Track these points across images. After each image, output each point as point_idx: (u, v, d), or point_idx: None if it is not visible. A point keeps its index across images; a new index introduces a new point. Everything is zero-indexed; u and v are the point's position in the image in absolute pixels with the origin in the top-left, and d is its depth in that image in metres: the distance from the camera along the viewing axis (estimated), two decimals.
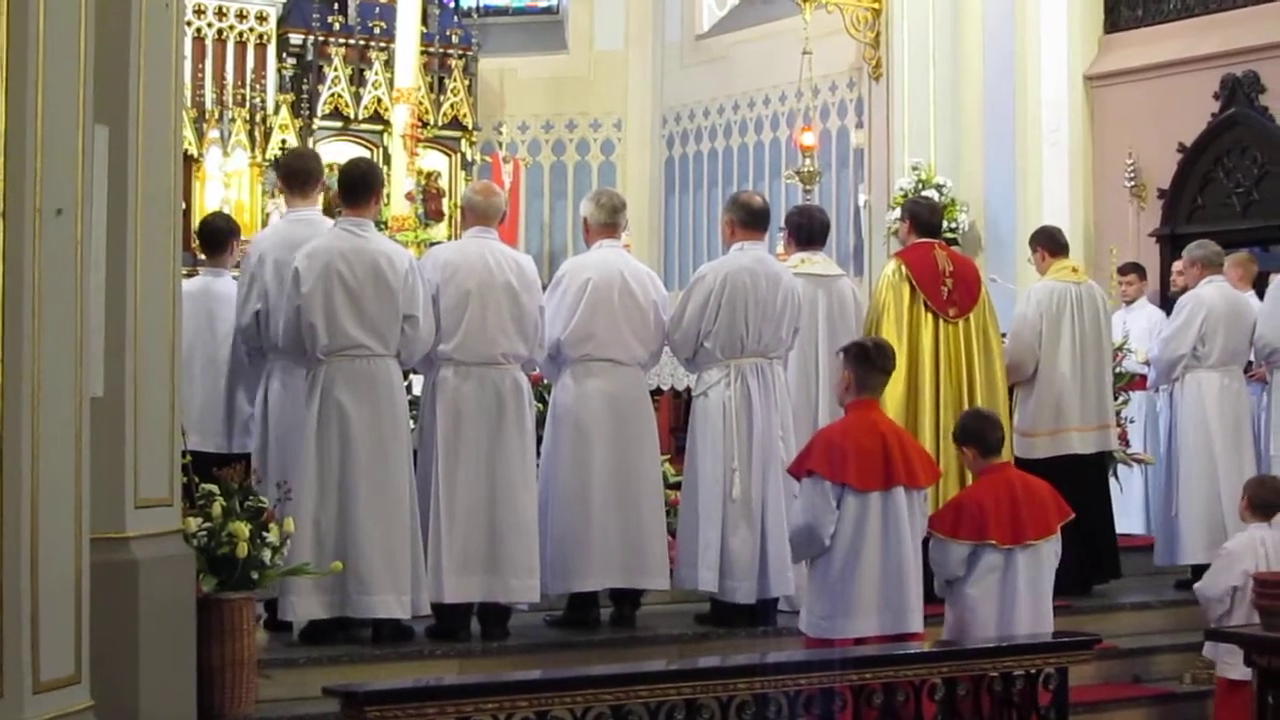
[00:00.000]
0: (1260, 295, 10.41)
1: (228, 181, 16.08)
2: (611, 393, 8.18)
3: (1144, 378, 11.05)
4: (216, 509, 6.55)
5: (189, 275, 8.29)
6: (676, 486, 8.77)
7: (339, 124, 16.86)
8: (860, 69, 16.75)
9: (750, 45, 18.17)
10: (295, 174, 8.20)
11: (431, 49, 17.30)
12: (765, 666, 6.38)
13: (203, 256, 8.88)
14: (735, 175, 18.26)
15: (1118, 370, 10.71)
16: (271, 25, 16.69)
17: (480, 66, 17.99)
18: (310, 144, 16.10)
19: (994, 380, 9.10)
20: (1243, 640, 7.06)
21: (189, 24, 15.46)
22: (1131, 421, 11.33)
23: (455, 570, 7.65)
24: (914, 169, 15.67)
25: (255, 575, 6.61)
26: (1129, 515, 11.56)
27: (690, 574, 8.24)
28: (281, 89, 16.68)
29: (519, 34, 19.65)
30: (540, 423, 8.32)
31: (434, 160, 17.32)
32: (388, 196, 15.07)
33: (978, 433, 7.31)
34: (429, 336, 7.70)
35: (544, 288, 8.24)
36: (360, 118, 16.91)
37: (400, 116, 16.32)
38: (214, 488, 6.64)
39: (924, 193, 14.74)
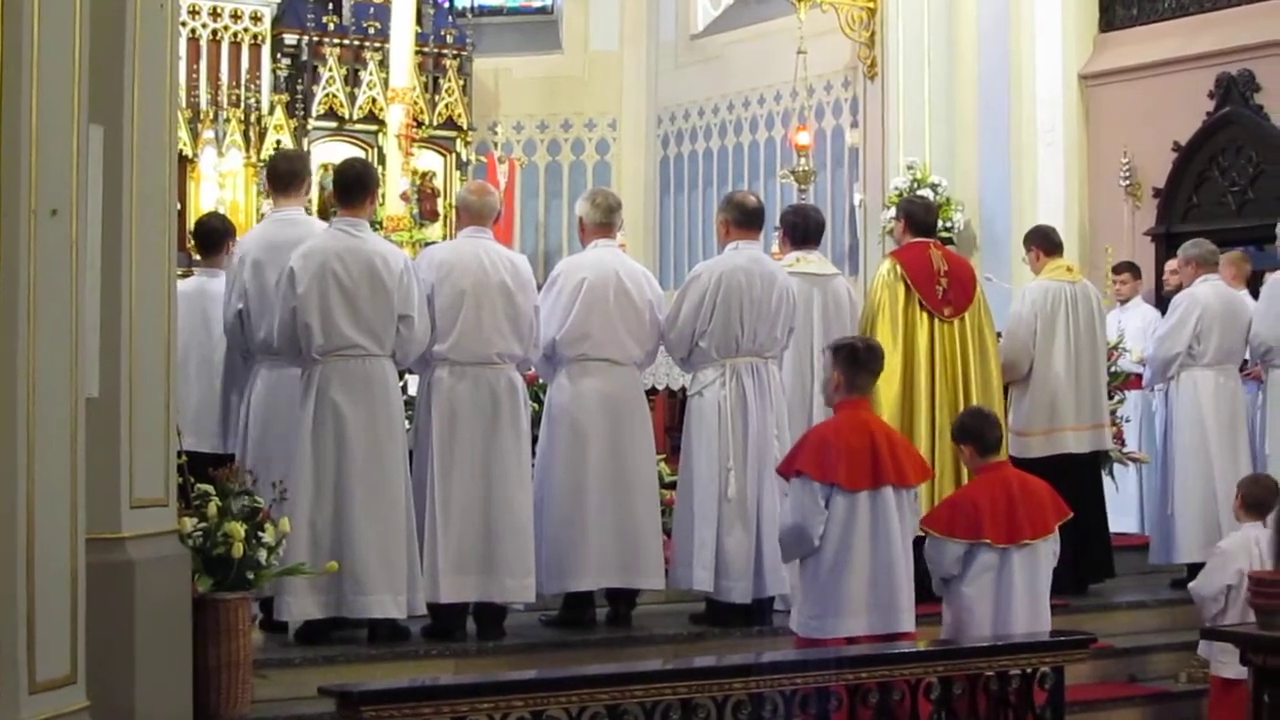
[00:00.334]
0: (1254, 294, 10.41)
1: (223, 182, 16.07)
2: (607, 392, 8.18)
3: (1139, 377, 11.05)
4: (212, 509, 6.54)
5: (184, 276, 8.29)
6: (672, 486, 8.78)
7: (334, 124, 16.85)
8: (855, 68, 16.75)
9: (745, 45, 18.18)
10: (280, 175, 8.23)
11: (426, 49, 17.30)
12: (761, 666, 6.38)
13: (198, 257, 8.86)
14: (730, 175, 18.26)
15: (1112, 369, 10.72)
16: (266, 25, 16.66)
17: (475, 66, 17.99)
18: (305, 144, 16.13)
19: (989, 380, 9.10)
20: (1238, 639, 7.06)
21: (184, 24, 15.46)
22: (1127, 420, 11.33)
23: (451, 570, 7.65)
24: (909, 168, 15.68)
25: (251, 575, 6.60)
26: (1125, 514, 11.55)
27: (686, 573, 8.24)
28: (276, 89, 16.67)
29: (514, 34, 19.66)
30: (535, 422, 8.32)
31: (429, 160, 17.31)
32: (383, 197, 15.07)
33: (976, 431, 7.31)
34: (424, 336, 7.69)
35: (539, 288, 8.24)
36: (355, 118, 16.90)
37: (395, 116, 16.34)
38: (209, 488, 6.64)
39: (919, 192, 14.76)
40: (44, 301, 5.22)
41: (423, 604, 7.58)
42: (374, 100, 16.87)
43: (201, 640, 6.38)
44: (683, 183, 18.90)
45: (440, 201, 17.20)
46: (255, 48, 16.65)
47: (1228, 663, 7.67)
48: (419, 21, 17.04)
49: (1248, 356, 10.24)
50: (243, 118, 16.27)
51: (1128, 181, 14.65)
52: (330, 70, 16.82)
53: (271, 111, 16.48)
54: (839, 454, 6.81)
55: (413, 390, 8.41)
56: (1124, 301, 12.81)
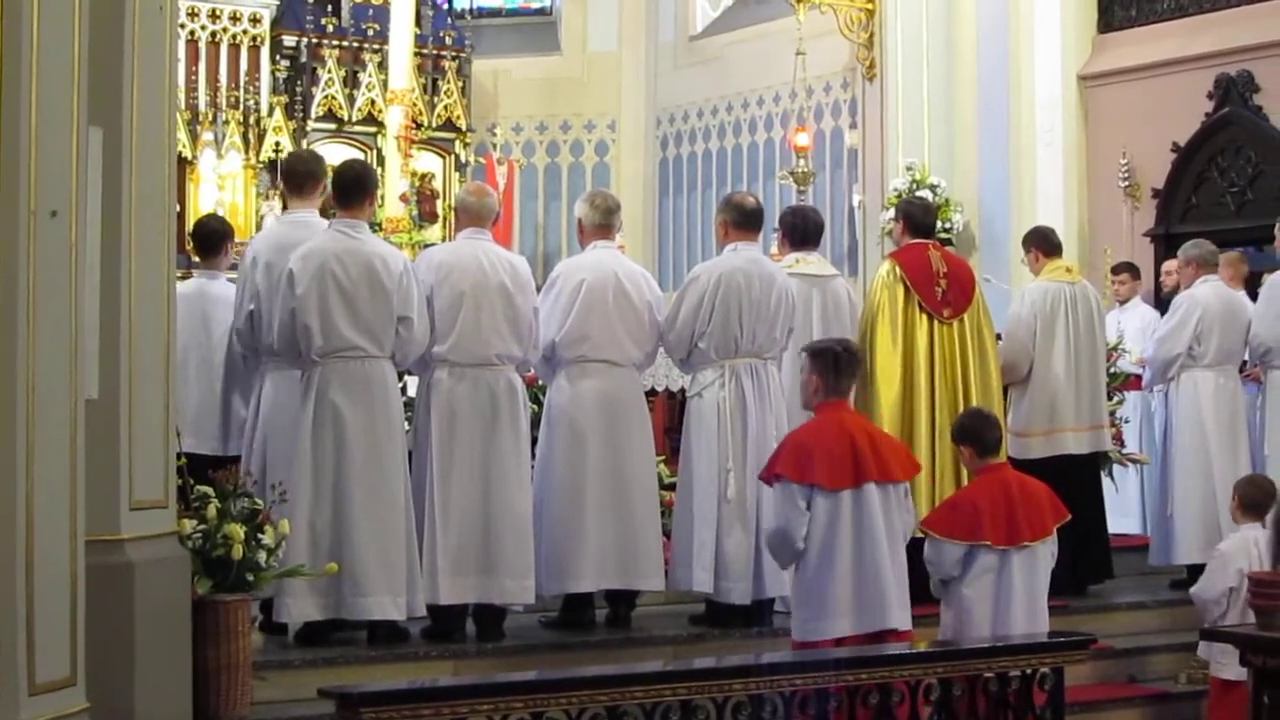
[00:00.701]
0: (1252, 295, 10.41)
1: (222, 184, 16.08)
2: (606, 394, 8.18)
3: (1138, 377, 11.05)
4: (211, 511, 6.54)
5: (183, 277, 8.31)
6: (671, 487, 8.78)
7: (333, 126, 16.85)
8: (854, 69, 16.75)
9: (744, 46, 18.18)
10: (294, 175, 8.19)
11: (425, 50, 17.30)
12: (760, 667, 6.38)
13: (197, 259, 8.86)
14: (729, 176, 18.26)
15: (1112, 370, 10.72)
16: (265, 27, 16.66)
17: (474, 68, 17.99)
18: (304, 146, 16.10)
19: (989, 381, 9.10)
20: (1238, 640, 7.06)
21: (183, 26, 15.45)
22: (1126, 421, 11.33)
23: (450, 572, 7.65)
24: (908, 169, 15.68)
25: (250, 577, 6.60)
26: (1125, 515, 11.56)
27: (685, 575, 8.24)
28: (275, 91, 16.67)
29: (512, 35, 19.66)
30: (535, 424, 8.32)
31: (428, 162, 17.31)
32: (382, 198, 15.06)
33: (975, 432, 7.32)
34: (423, 338, 7.69)
35: (538, 289, 8.24)
36: (354, 119, 16.90)
37: (394, 118, 16.34)
38: (209, 490, 6.64)
39: (918, 193, 14.75)
40: (43, 303, 5.22)
41: (422, 605, 7.58)
42: (373, 102, 16.88)
43: (201, 642, 6.38)
44: (682, 184, 18.90)
45: (439, 203, 17.20)
46: (254, 49, 16.65)
47: (1227, 664, 7.66)
48: (418, 23, 17.05)
49: (1247, 357, 10.24)
50: (242, 119, 16.28)
51: (1127, 182, 14.66)
52: (329, 72, 16.82)
53: (270, 113, 16.48)
54: (817, 455, 6.81)
55: (412, 391, 8.41)
56: (1123, 302, 12.81)
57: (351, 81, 16.98)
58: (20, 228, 5.12)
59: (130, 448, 5.96)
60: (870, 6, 16.30)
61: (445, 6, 18.70)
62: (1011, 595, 7.04)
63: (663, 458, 9.13)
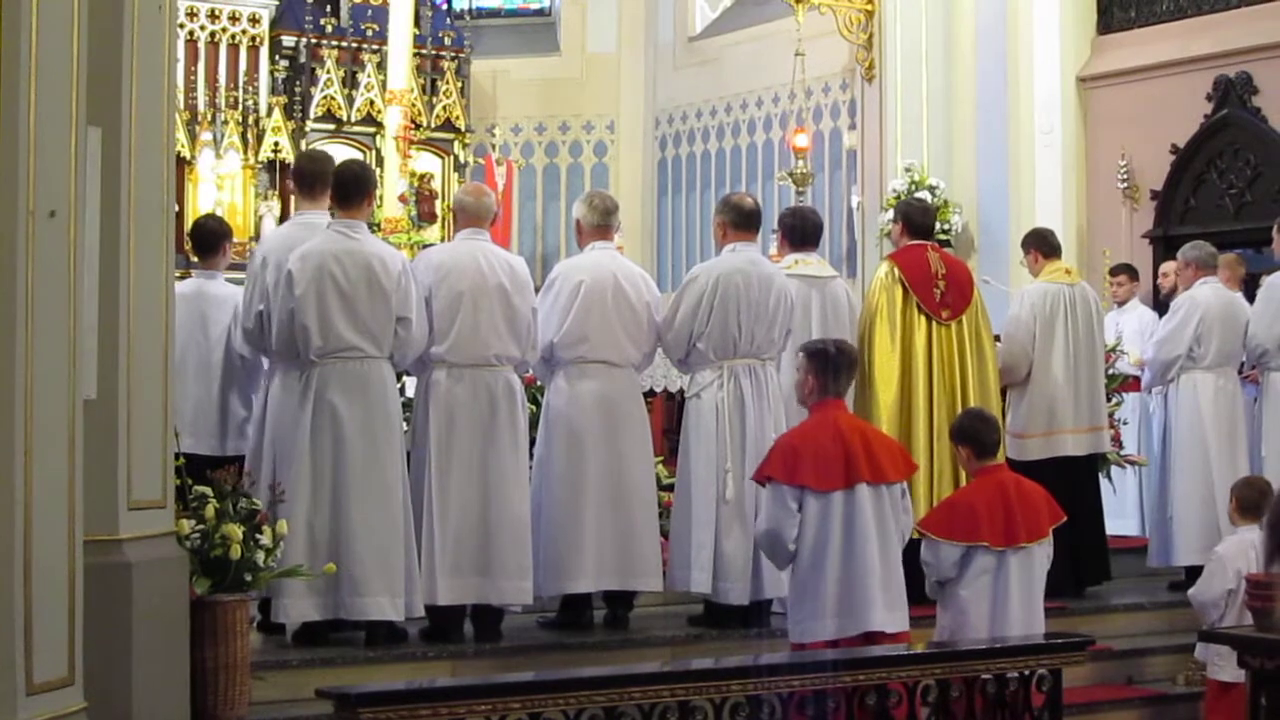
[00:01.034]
0: (1249, 297, 10.41)
1: (220, 184, 16.08)
2: (605, 394, 8.18)
3: (1136, 379, 11.05)
4: (210, 511, 6.54)
5: (182, 277, 8.30)
6: (670, 488, 8.77)
7: (332, 126, 16.85)
8: (853, 70, 16.75)
9: (743, 47, 18.18)
10: (304, 176, 8.14)
11: (424, 51, 17.30)
12: (758, 668, 6.38)
13: (195, 259, 8.85)
14: (728, 177, 18.26)
15: (1110, 372, 10.71)
16: (264, 27, 16.67)
17: (473, 68, 18.00)
18: (303, 146, 16.10)
19: (987, 382, 9.10)
20: (1235, 641, 7.04)
21: (181, 26, 15.46)
22: (1125, 423, 11.33)
23: (448, 572, 7.65)
24: (907, 170, 15.68)
25: (249, 577, 6.60)
26: (1123, 517, 11.56)
27: (683, 575, 8.24)
28: (274, 91, 16.68)
29: (511, 36, 19.66)
30: (533, 425, 8.32)
31: (427, 162, 17.32)
32: (380, 198, 15.06)
33: (974, 433, 7.32)
34: (422, 338, 7.69)
35: (537, 290, 8.24)
36: (353, 120, 16.90)
37: (393, 118, 16.33)
38: (207, 490, 6.64)
39: (917, 194, 14.75)
40: (42, 303, 5.22)
41: (420, 606, 7.58)
42: (372, 102, 16.88)
43: (199, 642, 6.39)
44: (680, 185, 18.90)
45: (438, 203, 17.20)
46: (253, 49, 16.66)
47: (1225, 665, 7.66)
48: (417, 23, 17.04)
49: (1244, 359, 10.24)
50: (240, 120, 16.28)
51: (1125, 184, 14.66)
52: (328, 72, 16.82)
53: (269, 113, 16.48)
54: (808, 456, 6.81)
55: (410, 392, 8.41)
56: (1121, 304, 12.82)
57: (350, 82, 16.98)
58: (19, 227, 5.13)
59: (129, 448, 5.96)
60: (869, 7, 16.31)
61: (444, 7, 18.71)
62: (1008, 596, 7.04)
63: (661, 458, 9.13)
